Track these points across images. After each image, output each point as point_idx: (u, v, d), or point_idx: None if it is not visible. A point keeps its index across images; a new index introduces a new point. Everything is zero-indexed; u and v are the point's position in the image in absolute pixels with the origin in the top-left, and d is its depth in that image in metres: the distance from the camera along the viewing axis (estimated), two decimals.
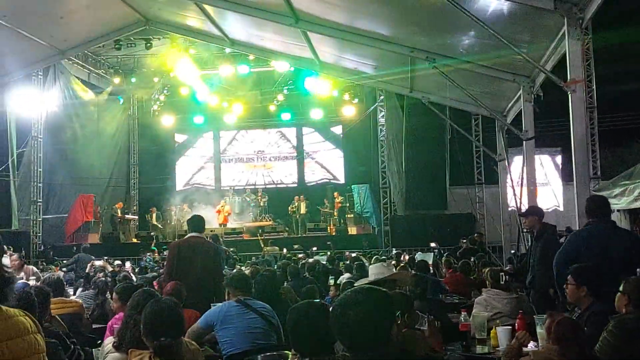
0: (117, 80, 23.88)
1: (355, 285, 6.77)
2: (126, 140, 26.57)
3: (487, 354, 4.86)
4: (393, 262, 13.21)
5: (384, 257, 15.18)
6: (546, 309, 5.06)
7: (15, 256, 11.14)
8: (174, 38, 20.32)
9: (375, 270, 5.80)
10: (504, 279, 6.14)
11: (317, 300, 6.16)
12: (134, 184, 26.79)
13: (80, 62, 22.34)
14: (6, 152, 19.37)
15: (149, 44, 20.49)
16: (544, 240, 7.74)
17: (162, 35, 20.19)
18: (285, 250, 18.60)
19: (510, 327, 5.06)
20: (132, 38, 20.18)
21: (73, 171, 22.36)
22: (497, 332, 4.96)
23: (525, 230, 10.90)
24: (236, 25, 16.05)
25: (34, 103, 20.21)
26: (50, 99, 20.83)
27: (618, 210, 7.75)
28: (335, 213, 23.75)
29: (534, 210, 8.34)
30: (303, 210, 23.88)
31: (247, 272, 9.03)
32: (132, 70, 23.88)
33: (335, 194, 24.10)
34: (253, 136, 27.68)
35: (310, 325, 3.15)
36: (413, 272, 8.15)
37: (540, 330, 4.50)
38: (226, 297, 5.77)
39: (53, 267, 15.10)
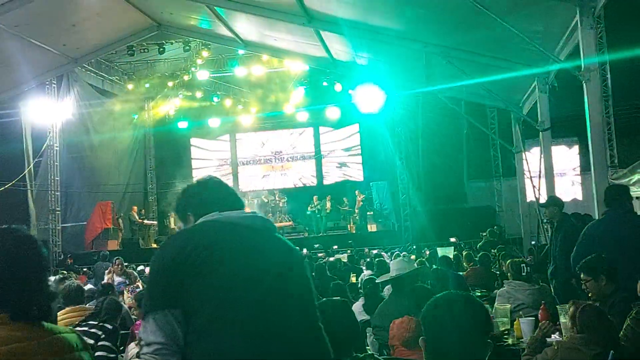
0: (130, 86, 24.04)
1: (377, 281, 6.80)
2: (142, 145, 26.68)
3: (510, 345, 4.85)
4: (413, 256, 13.22)
5: (404, 252, 15.15)
6: (569, 299, 5.03)
7: (119, 260, 12.17)
8: (187, 42, 20.41)
9: (396, 266, 5.81)
10: (525, 270, 6.11)
11: (341, 298, 6.18)
12: (152, 189, 26.93)
13: (94, 69, 22.48)
14: (22, 162, 19.50)
15: (161, 49, 20.59)
16: (565, 230, 7.71)
17: (174, 39, 20.29)
18: (305, 250, 18.60)
19: (533, 318, 5.05)
20: (144, 43, 20.29)
21: (90, 179, 22.49)
22: (520, 324, 4.95)
23: (545, 220, 10.84)
24: (248, 27, 16.09)
25: (49, 112, 20.35)
26: (65, 107, 20.95)
27: (637, 198, 7.68)
28: (356, 211, 23.75)
29: (554, 201, 8.31)
30: (328, 208, 23.90)
31: None
32: (146, 75, 24.03)
33: (357, 192, 24.07)
34: (269, 137, 27.71)
35: (331, 323, 3.14)
36: (435, 267, 8.13)
37: (563, 320, 4.49)
38: None
39: (74, 274, 15.20)
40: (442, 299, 2.24)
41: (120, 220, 22.53)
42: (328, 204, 23.86)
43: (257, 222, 2.41)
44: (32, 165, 19.96)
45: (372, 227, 22.80)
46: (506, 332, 5.09)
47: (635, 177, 7.45)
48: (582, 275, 4.82)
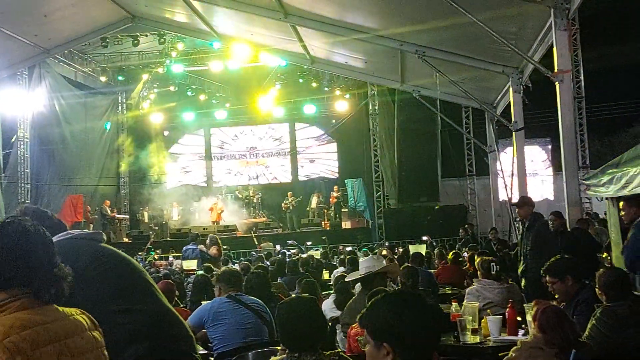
0: (104, 78, 23.73)
1: (347, 279, 6.79)
2: (115, 138, 26.36)
3: (478, 343, 4.86)
4: (384, 251, 13.24)
5: (375, 250, 15.18)
6: (539, 298, 5.06)
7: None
8: (161, 34, 20.19)
9: (365, 264, 5.79)
10: (494, 268, 6.15)
11: (311, 295, 6.15)
12: (124, 183, 26.63)
13: (66, 61, 22.12)
14: None
15: (136, 41, 20.35)
16: (536, 229, 7.79)
17: (149, 31, 20.05)
18: (278, 247, 18.54)
19: (500, 316, 5.07)
20: (118, 35, 20.04)
21: (61, 171, 22.16)
22: (488, 322, 4.97)
23: (517, 219, 10.94)
24: (224, 21, 15.99)
25: (20, 103, 20.01)
26: (36, 99, 20.62)
27: (607, 199, 7.76)
28: (332, 208, 23.75)
29: (528, 201, 8.40)
30: (314, 204, 23.84)
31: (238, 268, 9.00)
32: (120, 67, 23.74)
33: (335, 188, 24.08)
34: (245, 132, 27.56)
35: (298, 320, 3.14)
36: (407, 264, 8.14)
37: (530, 319, 4.51)
38: (217, 294, 5.73)
39: None
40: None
41: (91, 214, 22.26)
42: (314, 200, 23.83)
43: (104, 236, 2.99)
44: (1, 157, 19.61)
45: (346, 224, 22.84)
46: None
47: (605, 178, 7.51)
48: (547, 278, 4.84)
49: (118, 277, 2.70)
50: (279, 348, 4.17)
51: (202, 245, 13.58)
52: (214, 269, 11.21)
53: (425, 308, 2.13)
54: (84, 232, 2.88)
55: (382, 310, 2.12)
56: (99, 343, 2.09)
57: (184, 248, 14.09)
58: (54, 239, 2.55)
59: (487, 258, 6.43)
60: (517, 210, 8.56)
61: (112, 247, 2.92)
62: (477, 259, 6.69)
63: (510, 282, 6.46)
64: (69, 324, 2.00)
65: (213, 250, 13.42)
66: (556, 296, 4.75)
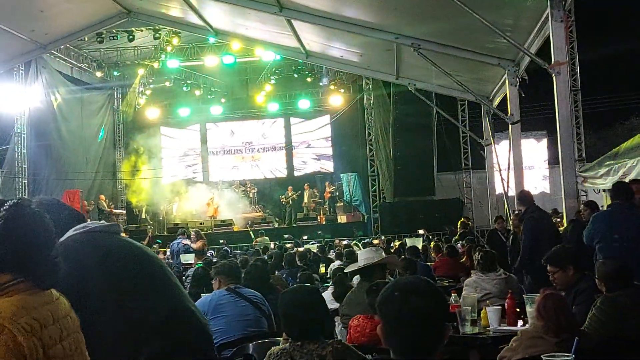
0: (99, 73, 23.67)
1: (346, 270, 6.82)
2: (112, 134, 26.34)
3: (477, 334, 4.90)
4: (376, 240, 13.28)
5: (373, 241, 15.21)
6: (536, 290, 5.10)
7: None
8: (157, 29, 20.14)
9: (364, 256, 5.80)
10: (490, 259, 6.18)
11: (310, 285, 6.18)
12: (121, 178, 26.59)
13: (62, 56, 22.09)
14: None
15: (131, 36, 20.30)
16: (525, 222, 7.88)
17: (144, 26, 20.00)
18: (272, 244, 18.50)
19: (499, 307, 5.10)
20: (114, 30, 19.97)
21: (58, 167, 22.12)
22: (487, 312, 5.00)
23: (515, 212, 11.00)
24: (220, 15, 15.94)
25: (16, 99, 19.94)
26: (33, 94, 20.56)
27: (604, 191, 7.83)
28: (325, 202, 23.78)
29: (518, 196, 8.49)
30: (306, 199, 23.87)
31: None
32: (115, 63, 23.69)
33: (327, 183, 24.11)
34: (240, 127, 27.52)
35: (301, 309, 3.16)
36: (404, 257, 8.17)
37: (529, 309, 4.54)
38: (215, 287, 5.75)
39: None
40: (398, 289, 2.06)
41: (88, 209, 22.21)
42: (306, 195, 23.87)
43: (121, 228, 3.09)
44: None
45: (341, 219, 22.87)
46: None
47: (603, 170, 7.60)
48: (549, 267, 4.87)
49: (132, 272, 2.63)
50: (279, 339, 4.20)
51: (188, 240, 13.68)
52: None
53: (409, 304, 2.00)
54: (101, 224, 2.81)
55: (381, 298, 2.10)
56: (77, 326, 2.12)
57: (171, 243, 14.28)
58: (71, 232, 2.60)
59: (484, 249, 6.46)
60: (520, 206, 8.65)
61: (130, 239, 2.89)
62: (475, 253, 6.71)
63: (508, 273, 6.49)
64: (61, 305, 2.05)
65: (198, 244, 13.50)
66: (556, 285, 4.78)
